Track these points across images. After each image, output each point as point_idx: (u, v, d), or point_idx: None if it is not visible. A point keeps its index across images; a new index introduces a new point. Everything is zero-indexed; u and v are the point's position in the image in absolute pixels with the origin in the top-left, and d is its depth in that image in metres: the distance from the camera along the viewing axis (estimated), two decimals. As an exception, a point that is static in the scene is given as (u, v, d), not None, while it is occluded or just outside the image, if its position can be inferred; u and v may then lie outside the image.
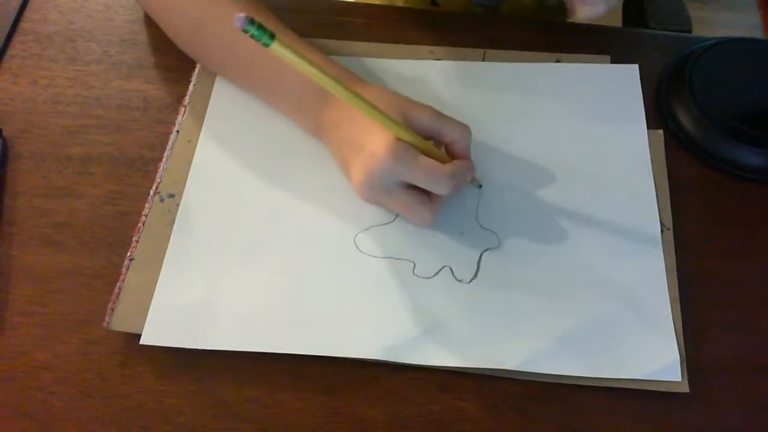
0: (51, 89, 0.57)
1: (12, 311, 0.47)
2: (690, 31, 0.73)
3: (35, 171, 0.53)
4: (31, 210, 0.51)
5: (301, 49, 0.47)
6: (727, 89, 0.57)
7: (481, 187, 0.52)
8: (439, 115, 0.47)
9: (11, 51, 0.60)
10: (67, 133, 0.55)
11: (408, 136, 0.45)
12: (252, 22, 0.34)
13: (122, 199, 0.52)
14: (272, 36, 0.35)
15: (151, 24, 0.61)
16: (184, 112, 0.55)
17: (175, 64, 0.59)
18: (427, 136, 0.47)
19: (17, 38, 0.60)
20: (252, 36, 0.35)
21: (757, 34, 1.56)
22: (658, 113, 0.57)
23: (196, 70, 0.58)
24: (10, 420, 0.44)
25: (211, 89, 0.57)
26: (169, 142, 0.54)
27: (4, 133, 0.55)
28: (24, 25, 0.61)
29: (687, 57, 0.59)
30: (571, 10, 0.51)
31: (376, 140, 0.45)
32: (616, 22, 0.79)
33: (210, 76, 0.57)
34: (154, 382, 0.45)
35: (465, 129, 0.48)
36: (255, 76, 0.53)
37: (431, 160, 0.46)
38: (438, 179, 0.45)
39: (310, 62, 0.39)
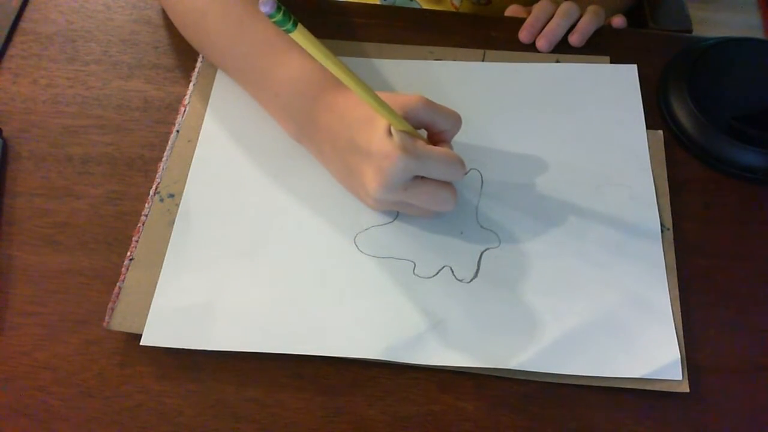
0: (51, 89, 0.57)
1: (12, 311, 0.47)
2: (690, 31, 0.73)
3: (35, 171, 0.53)
4: (31, 210, 0.51)
5: None
6: (727, 89, 0.57)
7: None
8: (430, 103, 0.46)
9: (11, 51, 0.60)
10: (67, 133, 0.55)
11: (409, 129, 0.45)
12: (279, 8, 0.34)
13: (122, 199, 0.52)
14: (295, 23, 0.35)
15: (151, 24, 0.61)
16: (184, 112, 0.55)
17: (175, 64, 0.59)
18: (419, 127, 0.47)
19: (17, 38, 0.60)
20: (276, 22, 0.34)
21: (757, 34, 1.56)
22: (658, 113, 0.57)
23: (196, 69, 0.58)
24: (9, 420, 0.44)
25: (211, 89, 0.57)
26: (169, 142, 0.54)
27: (4, 133, 0.55)
28: (24, 25, 0.61)
29: (687, 57, 0.59)
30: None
31: (382, 142, 0.44)
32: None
33: (210, 76, 0.57)
34: (154, 382, 0.45)
35: (458, 117, 0.47)
36: (250, 70, 0.53)
37: (440, 147, 0.45)
38: (454, 165, 0.45)
39: (328, 52, 0.39)
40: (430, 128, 0.47)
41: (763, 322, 0.48)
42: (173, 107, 0.57)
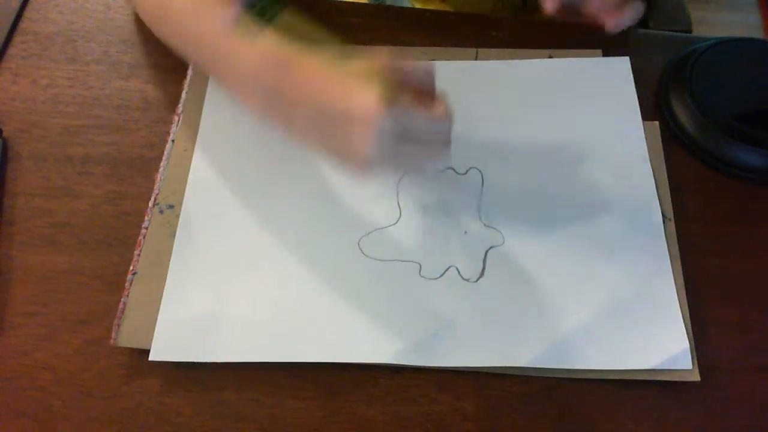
0: (51, 89, 0.57)
1: (12, 311, 0.47)
2: (690, 31, 0.73)
3: (35, 171, 0.53)
4: (31, 210, 0.51)
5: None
6: (727, 89, 0.57)
7: None
8: (397, 65, 0.43)
9: (11, 51, 0.60)
10: (67, 133, 0.55)
11: (386, 85, 0.42)
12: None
13: (122, 199, 0.52)
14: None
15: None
16: (178, 121, 0.55)
17: (175, 64, 0.59)
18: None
19: (17, 38, 0.60)
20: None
21: (757, 34, 1.56)
22: (658, 113, 0.57)
23: (188, 78, 0.57)
24: (10, 420, 0.44)
25: (204, 97, 0.56)
26: (165, 153, 0.53)
27: (4, 133, 0.55)
28: (24, 25, 0.61)
29: (687, 57, 0.59)
30: (598, 21, 0.54)
31: (362, 102, 0.41)
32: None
33: (202, 83, 0.57)
34: (153, 382, 0.45)
35: (429, 64, 0.44)
36: (210, 55, 0.50)
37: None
38: (437, 107, 0.43)
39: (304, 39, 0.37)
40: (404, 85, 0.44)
41: (763, 322, 0.48)
42: (173, 107, 0.56)
